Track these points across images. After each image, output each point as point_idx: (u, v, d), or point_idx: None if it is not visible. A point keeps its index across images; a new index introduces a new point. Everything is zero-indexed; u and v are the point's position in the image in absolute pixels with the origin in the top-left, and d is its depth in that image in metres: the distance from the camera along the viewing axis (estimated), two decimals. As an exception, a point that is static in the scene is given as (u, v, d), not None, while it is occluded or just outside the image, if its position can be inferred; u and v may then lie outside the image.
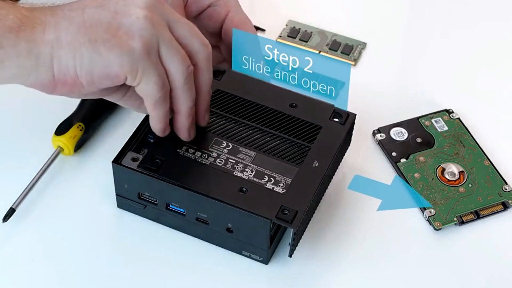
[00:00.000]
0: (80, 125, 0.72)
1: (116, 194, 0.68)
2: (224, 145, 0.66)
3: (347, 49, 0.83)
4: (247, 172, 0.64)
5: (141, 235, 0.67)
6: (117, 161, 0.65)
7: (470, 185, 0.71)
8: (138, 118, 0.69)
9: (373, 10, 0.88)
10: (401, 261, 0.67)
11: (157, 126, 0.64)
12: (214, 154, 0.65)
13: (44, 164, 0.70)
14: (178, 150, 0.65)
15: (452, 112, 0.77)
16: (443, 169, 0.72)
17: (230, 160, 0.65)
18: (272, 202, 0.63)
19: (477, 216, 0.69)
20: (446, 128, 0.75)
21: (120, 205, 0.69)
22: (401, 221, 0.69)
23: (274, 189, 0.64)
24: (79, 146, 0.72)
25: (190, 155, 0.65)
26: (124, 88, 0.63)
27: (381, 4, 0.89)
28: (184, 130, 0.65)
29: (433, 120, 0.76)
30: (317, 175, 0.65)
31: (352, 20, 0.87)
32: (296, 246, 0.65)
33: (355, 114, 0.69)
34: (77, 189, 0.70)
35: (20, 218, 0.68)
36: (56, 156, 0.71)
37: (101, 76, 0.59)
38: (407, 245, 0.68)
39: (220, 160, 0.65)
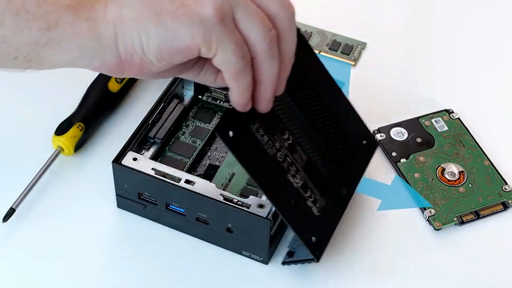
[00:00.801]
0: (80, 125, 0.72)
1: (116, 194, 0.68)
2: (286, 136, 0.62)
3: (347, 49, 0.83)
4: (297, 179, 0.62)
5: (141, 235, 0.67)
6: (117, 161, 0.65)
7: (470, 185, 0.71)
8: (138, 118, 0.69)
9: (373, 10, 0.88)
10: (401, 261, 0.67)
11: (239, 100, 0.57)
12: (277, 145, 0.61)
13: (44, 164, 0.70)
14: (251, 126, 0.60)
15: (452, 112, 0.77)
16: (443, 169, 0.72)
17: (287, 158, 0.62)
18: (309, 222, 0.62)
19: (477, 216, 0.69)
20: (446, 128, 0.75)
21: (120, 205, 0.69)
22: (401, 221, 0.69)
23: (312, 209, 0.62)
24: (79, 146, 0.72)
25: (259, 137, 0.60)
26: (199, 64, 0.58)
27: (381, 4, 0.89)
28: (264, 101, 0.58)
29: (433, 120, 0.76)
30: (343, 205, 0.65)
31: (352, 20, 0.87)
32: None
33: (378, 143, 0.70)
34: (77, 189, 0.70)
35: (20, 218, 0.68)
36: (56, 156, 0.71)
37: (172, 51, 0.54)
38: (407, 245, 0.68)
39: (280, 154, 0.61)
